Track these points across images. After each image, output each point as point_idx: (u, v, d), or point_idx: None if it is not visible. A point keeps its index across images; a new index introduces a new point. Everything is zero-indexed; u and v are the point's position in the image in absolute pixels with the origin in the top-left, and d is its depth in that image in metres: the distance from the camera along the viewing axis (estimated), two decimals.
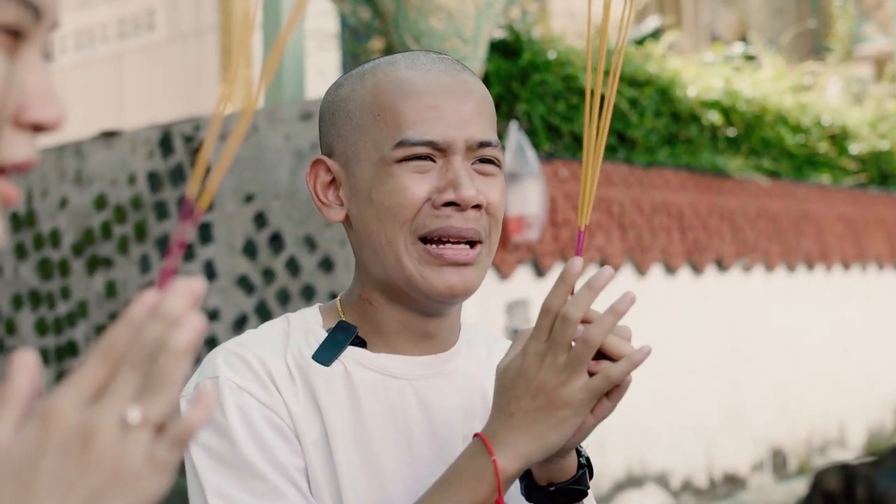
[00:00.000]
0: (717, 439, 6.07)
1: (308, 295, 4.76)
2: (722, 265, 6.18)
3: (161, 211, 5.36)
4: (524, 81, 5.02)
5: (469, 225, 1.19)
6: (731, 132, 6.42)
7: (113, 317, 5.54)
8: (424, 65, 1.23)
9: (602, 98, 1.13)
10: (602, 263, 5.34)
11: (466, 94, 1.22)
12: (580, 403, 1.08)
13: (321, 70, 5.98)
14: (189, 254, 5.19)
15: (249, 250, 4.99)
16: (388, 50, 4.61)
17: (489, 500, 1.09)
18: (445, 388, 1.25)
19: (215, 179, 0.69)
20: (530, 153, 4.68)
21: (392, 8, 4.40)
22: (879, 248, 7.53)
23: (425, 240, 1.19)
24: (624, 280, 5.39)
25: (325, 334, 1.24)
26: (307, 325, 1.25)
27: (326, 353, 1.22)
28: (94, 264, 5.64)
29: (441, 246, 1.19)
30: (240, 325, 4.97)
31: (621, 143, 5.66)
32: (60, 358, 5.78)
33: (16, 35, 0.65)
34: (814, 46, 10.73)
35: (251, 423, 1.15)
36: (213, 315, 5.08)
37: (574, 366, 1.07)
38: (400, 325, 1.24)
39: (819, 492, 4.32)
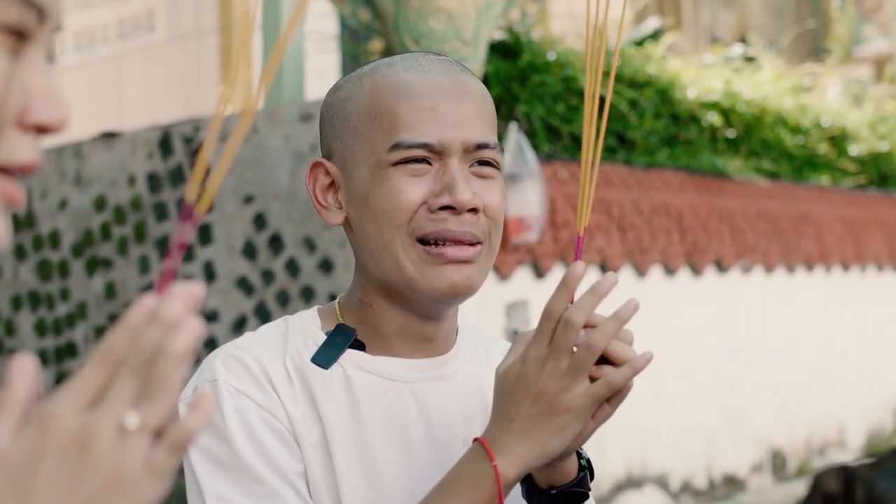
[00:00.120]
0: (716, 440, 6.07)
1: (307, 296, 4.75)
2: (721, 266, 6.18)
3: (160, 212, 5.36)
4: (524, 83, 5.02)
5: (465, 228, 1.18)
6: (731, 133, 6.42)
7: (112, 318, 5.54)
8: (423, 67, 1.22)
9: (601, 100, 1.13)
10: (602, 265, 5.35)
11: (465, 96, 1.21)
12: (581, 409, 1.07)
13: (321, 71, 5.98)
14: (189, 255, 5.19)
15: (249, 251, 4.99)
16: (388, 51, 4.61)
17: None
18: (444, 391, 1.25)
19: (215, 181, 0.68)
20: (530, 154, 4.68)
21: (392, 9, 4.40)
22: (879, 249, 7.53)
23: (423, 241, 1.18)
24: (624, 281, 5.39)
25: (323, 337, 1.23)
26: (306, 327, 1.25)
27: (325, 356, 1.21)
28: (94, 265, 5.64)
29: (440, 246, 1.18)
30: (239, 326, 4.97)
31: (621, 145, 5.66)
32: (60, 359, 5.77)
33: (19, 36, 0.65)
34: (813, 48, 10.74)
35: (250, 427, 1.15)
36: (212, 316, 5.08)
37: (576, 371, 1.06)
38: (399, 328, 1.23)
39: (818, 493, 4.32)
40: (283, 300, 4.84)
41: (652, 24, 7.89)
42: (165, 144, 5.36)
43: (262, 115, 4.92)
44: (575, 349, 1.07)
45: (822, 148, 7.09)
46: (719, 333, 6.14)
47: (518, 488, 1.17)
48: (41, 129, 0.66)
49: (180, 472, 1.00)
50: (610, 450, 5.27)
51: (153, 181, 5.39)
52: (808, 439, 6.81)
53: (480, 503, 1.08)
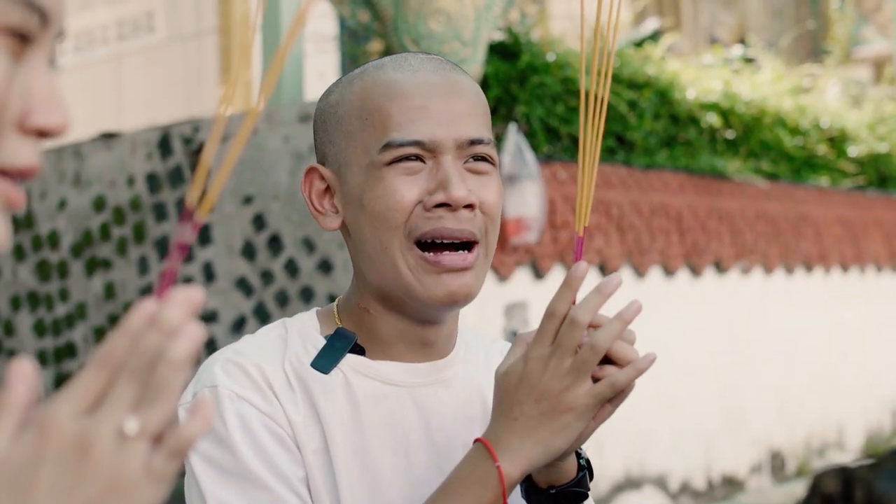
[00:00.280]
0: (715, 441, 6.07)
1: (307, 297, 4.75)
2: (721, 267, 6.18)
3: (160, 212, 5.36)
4: (523, 84, 5.02)
5: (462, 226, 1.17)
6: (730, 134, 6.42)
7: (111, 318, 5.54)
8: (412, 66, 1.22)
9: (594, 98, 1.12)
10: (601, 266, 5.35)
11: (456, 93, 1.20)
12: (584, 409, 1.07)
13: (320, 72, 5.98)
14: (188, 255, 5.18)
15: (248, 252, 4.99)
16: (387, 52, 4.61)
17: None
18: (444, 395, 1.24)
19: (216, 186, 0.68)
20: (529, 155, 4.68)
21: (391, 10, 4.40)
22: (878, 250, 7.53)
23: (421, 244, 1.18)
24: (623, 282, 5.39)
25: (323, 341, 1.23)
26: (305, 331, 1.24)
27: (325, 361, 1.21)
28: (93, 266, 5.64)
29: (438, 253, 1.18)
30: (238, 326, 4.97)
31: (620, 145, 5.66)
32: (59, 359, 5.77)
33: (22, 39, 0.65)
34: (813, 49, 10.74)
35: (251, 433, 1.14)
36: (211, 317, 5.07)
37: (580, 370, 1.06)
38: (398, 332, 1.23)
39: (818, 494, 4.32)
40: (283, 301, 4.84)
41: (651, 24, 7.89)
42: (165, 145, 5.36)
43: (262, 116, 4.92)
44: (579, 349, 1.07)
45: (822, 149, 7.09)
46: (718, 334, 6.14)
47: (517, 488, 1.18)
48: (42, 134, 0.66)
49: (180, 474, 1.00)
50: (609, 450, 5.27)
51: (152, 182, 5.40)
52: (807, 440, 6.82)
53: (484, 503, 1.08)
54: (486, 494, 1.08)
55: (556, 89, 5.14)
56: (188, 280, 5.17)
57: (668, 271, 5.80)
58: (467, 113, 1.20)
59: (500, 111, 4.91)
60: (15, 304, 6.01)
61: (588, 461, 1.20)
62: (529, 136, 4.95)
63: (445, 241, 1.18)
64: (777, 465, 6.56)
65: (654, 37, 7.29)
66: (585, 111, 1.11)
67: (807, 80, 7.45)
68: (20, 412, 0.62)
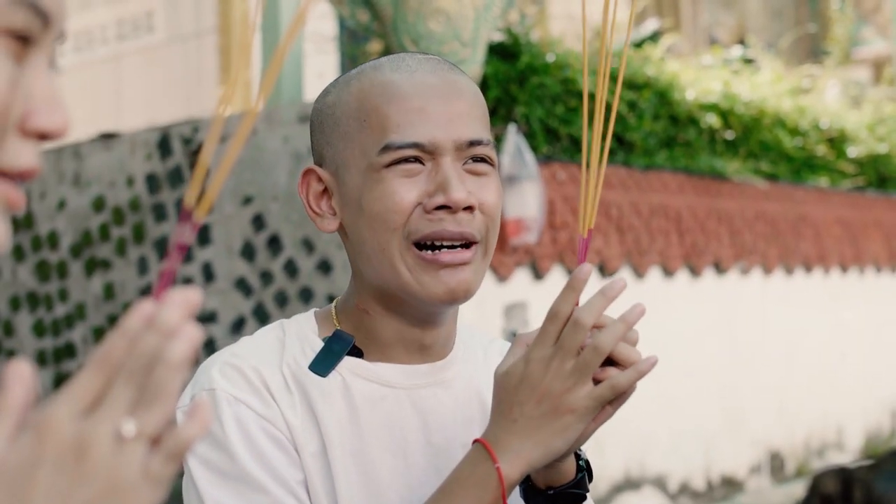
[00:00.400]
0: (714, 442, 6.07)
1: (306, 297, 4.75)
2: (720, 268, 6.18)
3: (159, 213, 5.36)
4: (522, 84, 5.02)
5: (462, 228, 1.17)
6: (730, 135, 6.42)
7: (111, 319, 5.54)
8: (410, 67, 1.21)
9: (597, 100, 1.12)
10: (601, 266, 5.35)
11: (454, 94, 1.19)
12: (585, 410, 1.07)
13: (320, 72, 5.97)
14: (187, 256, 5.18)
15: (247, 252, 4.99)
16: (387, 53, 4.61)
17: None
18: (443, 396, 1.24)
19: (215, 186, 0.68)
20: (528, 156, 4.68)
21: (390, 11, 4.40)
22: (877, 251, 7.53)
23: (419, 245, 1.17)
24: (626, 285, 5.39)
25: (321, 344, 1.22)
26: (303, 333, 1.24)
27: (323, 364, 1.20)
28: (93, 266, 5.64)
29: (436, 252, 1.17)
30: (238, 327, 4.97)
31: (619, 146, 5.66)
32: (58, 360, 5.77)
33: (24, 41, 0.65)
34: (812, 50, 10.74)
35: (249, 436, 1.14)
36: (211, 317, 5.07)
37: (581, 372, 1.06)
38: (397, 334, 1.22)
39: (817, 495, 4.32)
40: (282, 301, 4.84)
41: (651, 25, 7.89)
42: (164, 145, 5.36)
43: (261, 116, 4.92)
44: (580, 351, 1.07)
45: (821, 150, 7.09)
46: (718, 335, 6.14)
47: (516, 488, 1.17)
48: (42, 136, 0.66)
49: (178, 474, 1.00)
50: (608, 451, 5.27)
51: (152, 182, 5.39)
52: (807, 441, 6.82)
53: None
54: (485, 496, 1.08)
55: (555, 90, 5.14)
56: (188, 280, 5.17)
57: (668, 272, 5.80)
58: (466, 114, 1.19)
59: (500, 112, 4.91)
60: (14, 304, 6.01)
61: (587, 462, 1.19)
62: (529, 136, 4.95)
63: (445, 244, 1.18)
64: (776, 466, 6.56)
65: (654, 37, 7.29)
66: (590, 113, 1.11)
67: (806, 80, 7.45)
68: (18, 414, 0.62)
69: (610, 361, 1.08)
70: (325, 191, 1.24)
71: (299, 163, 4.80)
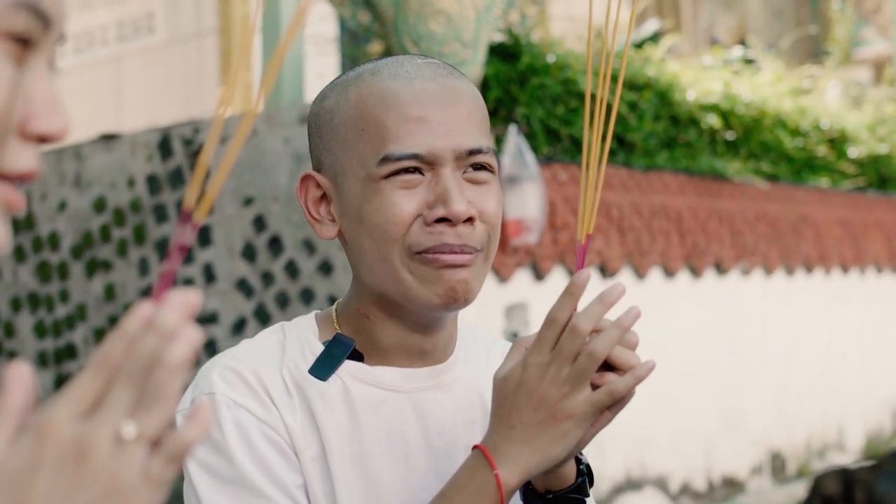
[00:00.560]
0: (715, 442, 6.07)
1: (307, 298, 4.75)
2: (721, 269, 6.18)
3: (160, 214, 5.36)
4: (523, 85, 5.02)
5: (463, 241, 1.16)
6: (730, 136, 6.42)
7: (111, 320, 5.54)
8: (409, 73, 1.19)
9: (596, 101, 1.12)
10: (601, 267, 5.35)
11: (453, 101, 1.18)
12: (583, 416, 1.07)
13: (320, 73, 5.97)
14: (188, 257, 5.18)
15: (248, 253, 4.99)
16: (388, 54, 4.61)
17: None
18: (444, 400, 1.24)
19: (214, 187, 0.68)
20: (529, 157, 4.68)
21: (391, 12, 4.40)
22: (878, 251, 7.53)
23: (419, 254, 1.17)
24: (623, 284, 5.39)
25: (321, 347, 1.22)
26: (303, 336, 1.23)
27: (323, 368, 1.20)
28: (93, 267, 5.64)
29: (437, 254, 1.17)
30: (239, 328, 4.97)
31: (620, 147, 5.66)
32: (59, 361, 5.77)
33: (24, 44, 0.65)
34: (813, 50, 10.74)
35: (249, 440, 1.14)
36: (211, 318, 5.07)
37: (578, 378, 1.06)
38: (397, 339, 1.22)
39: (818, 496, 4.32)
40: (283, 302, 4.84)
41: (651, 26, 7.89)
42: (165, 146, 5.36)
43: (262, 118, 4.92)
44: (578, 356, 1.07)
45: (822, 150, 7.09)
46: (718, 335, 6.14)
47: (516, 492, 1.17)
48: (42, 139, 0.66)
49: (179, 477, 1.00)
50: (609, 452, 5.27)
51: (153, 183, 5.39)
52: (808, 441, 6.81)
53: None
54: (484, 502, 1.07)
55: (556, 91, 5.14)
56: (189, 281, 5.17)
57: (669, 272, 5.80)
58: (465, 121, 1.18)
59: (501, 112, 4.91)
60: (15, 305, 6.01)
61: (588, 466, 1.19)
62: (529, 137, 4.95)
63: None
64: (777, 467, 6.56)
65: (655, 38, 7.29)
66: (591, 115, 1.11)
67: (807, 81, 7.45)
68: (17, 416, 0.62)
69: (609, 366, 1.08)
70: (324, 196, 1.23)
71: (300, 164, 4.80)
